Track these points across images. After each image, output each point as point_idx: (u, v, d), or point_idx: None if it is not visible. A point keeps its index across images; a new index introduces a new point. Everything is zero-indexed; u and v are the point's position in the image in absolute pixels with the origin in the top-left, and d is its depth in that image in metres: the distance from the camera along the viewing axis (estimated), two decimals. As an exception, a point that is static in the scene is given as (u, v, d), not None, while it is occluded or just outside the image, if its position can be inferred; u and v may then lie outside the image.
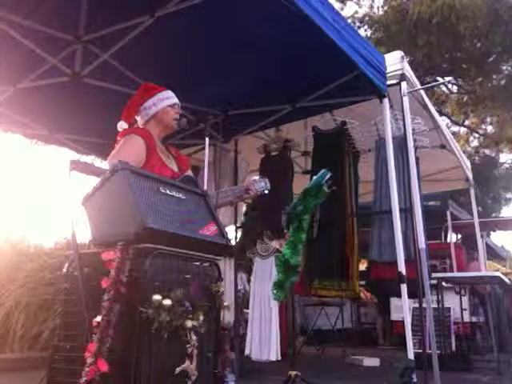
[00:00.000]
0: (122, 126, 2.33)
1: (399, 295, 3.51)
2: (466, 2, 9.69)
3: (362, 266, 5.23)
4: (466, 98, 13.12)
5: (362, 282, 5.27)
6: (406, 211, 4.09)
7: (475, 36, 10.36)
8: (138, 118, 2.41)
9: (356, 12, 12.47)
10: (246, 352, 4.34)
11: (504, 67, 11.76)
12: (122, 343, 1.56)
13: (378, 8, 12.26)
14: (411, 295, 3.58)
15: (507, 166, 15.92)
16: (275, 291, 3.37)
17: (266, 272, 4.49)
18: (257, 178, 2.69)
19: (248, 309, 4.67)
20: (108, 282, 1.57)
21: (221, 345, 1.96)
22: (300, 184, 4.87)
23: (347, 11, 12.60)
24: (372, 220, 4.70)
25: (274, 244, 4.59)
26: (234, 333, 4.28)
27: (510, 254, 17.97)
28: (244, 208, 6.41)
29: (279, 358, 4.31)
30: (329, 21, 3.04)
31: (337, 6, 12.55)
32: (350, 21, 11.84)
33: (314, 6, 2.87)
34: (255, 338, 4.34)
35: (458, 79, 12.35)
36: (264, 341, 4.30)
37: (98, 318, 1.55)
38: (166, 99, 2.40)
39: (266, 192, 2.66)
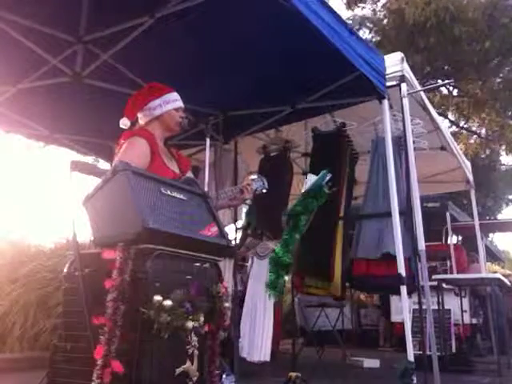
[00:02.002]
0: (124, 122, 2.30)
1: (379, 290, 3.51)
2: (461, 4, 9.72)
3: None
4: (466, 101, 13.12)
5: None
6: (402, 212, 4.08)
7: (474, 39, 10.38)
8: (140, 116, 2.37)
9: (355, 15, 12.45)
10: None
11: (504, 70, 11.77)
12: (122, 344, 1.56)
13: (377, 12, 12.25)
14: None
15: (507, 167, 15.91)
16: (269, 291, 3.38)
17: (262, 272, 4.48)
18: (255, 176, 2.69)
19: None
20: (111, 283, 1.57)
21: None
22: (300, 185, 4.88)
23: (347, 14, 12.57)
24: (359, 218, 4.69)
25: (272, 244, 4.59)
26: (234, 334, 4.27)
27: (509, 255, 17.98)
28: (244, 209, 6.42)
29: (267, 359, 4.30)
30: (328, 22, 3.04)
31: (343, 10, 12.58)
32: (349, 22, 11.83)
33: (313, 7, 2.87)
34: (246, 338, 4.33)
35: (459, 82, 12.35)
36: (256, 341, 4.29)
37: (101, 319, 1.55)
38: (173, 102, 2.37)
39: (265, 191, 2.66)
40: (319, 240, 4.56)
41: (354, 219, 5.00)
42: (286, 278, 3.38)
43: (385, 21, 11.45)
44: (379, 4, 12.24)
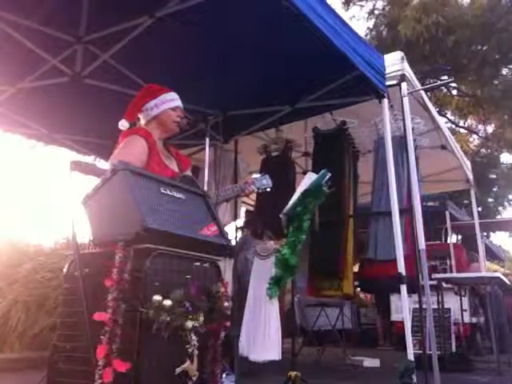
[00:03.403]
0: (123, 124, 2.31)
1: (392, 291, 3.53)
2: (452, 15, 9.77)
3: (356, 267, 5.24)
4: (466, 101, 13.14)
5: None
6: (404, 212, 4.08)
7: (472, 42, 10.44)
8: (140, 117, 2.40)
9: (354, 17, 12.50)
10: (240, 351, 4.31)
11: (504, 72, 11.84)
12: (122, 344, 1.56)
13: (374, 19, 12.24)
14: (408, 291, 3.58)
15: (507, 166, 15.91)
16: (270, 286, 3.39)
17: (264, 272, 4.47)
18: (258, 176, 2.70)
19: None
20: (111, 282, 1.57)
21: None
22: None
23: (348, 17, 12.59)
24: (369, 220, 4.71)
25: (274, 244, 4.58)
26: (234, 333, 4.26)
27: (509, 254, 17.97)
28: (243, 209, 6.42)
29: (280, 358, 4.29)
30: (327, 21, 3.05)
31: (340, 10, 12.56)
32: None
33: (313, 6, 2.87)
34: (250, 338, 4.33)
35: (458, 82, 12.37)
36: (261, 341, 4.28)
37: (103, 316, 1.55)
38: (169, 101, 2.38)
39: (268, 190, 2.67)
40: (330, 239, 4.58)
41: (363, 218, 5.02)
42: (290, 277, 3.38)
43: (382, 31, 11.52)
44: (374, 16, 12.26)
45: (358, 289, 7.69)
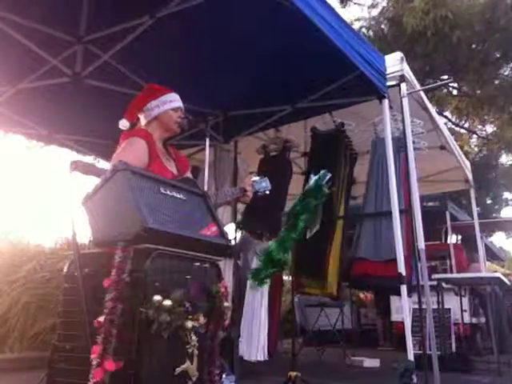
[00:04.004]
0: (123, 124, 2.31)
1: (382, 292, 3.53)
2: (458, 10, 9.75)
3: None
4: (466, 101, 13.14)
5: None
6: (401, 212, 4.08)
7: (473, 41, 10.43)
8: (141, 117, 2.40)
9: (357, 19, 12.43)
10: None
11: (504, 71, 11.83)
12: (122, 344, 1.56)
13: (375, 18, 12.18)
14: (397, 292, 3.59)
15: (507, 166, 15.91)
16: (250, 277, 3.39)
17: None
18: (257, 178, 2.70)
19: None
20: (109, 282, 1.58)
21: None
22: (300, 185, 4.88)
23: (347, 16, 12.49)
24: (360, 219, 4.69)
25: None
26: (234, 333, 4.27)
27: (509, 255, 17.97)
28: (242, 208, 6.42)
29: (266, 358, 4.30)
30: (328, 21, 3.05)
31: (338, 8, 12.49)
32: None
33: (313, 6, 2.87)
34: (245, 337, 4.33)
35: (458, 82, 12.36)
36: (254, 341, 4.28)
37: (100, 318, 1.55)
38: (170, 102, 2.38)
39: (268, 192, 2.67)
40: (316, 239, 4.57)
41: (353, 219, 5.01)
42: (271, 272, 3.38)
43: (382, 25, 11.46)
44: (377, 10, 12.21)
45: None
